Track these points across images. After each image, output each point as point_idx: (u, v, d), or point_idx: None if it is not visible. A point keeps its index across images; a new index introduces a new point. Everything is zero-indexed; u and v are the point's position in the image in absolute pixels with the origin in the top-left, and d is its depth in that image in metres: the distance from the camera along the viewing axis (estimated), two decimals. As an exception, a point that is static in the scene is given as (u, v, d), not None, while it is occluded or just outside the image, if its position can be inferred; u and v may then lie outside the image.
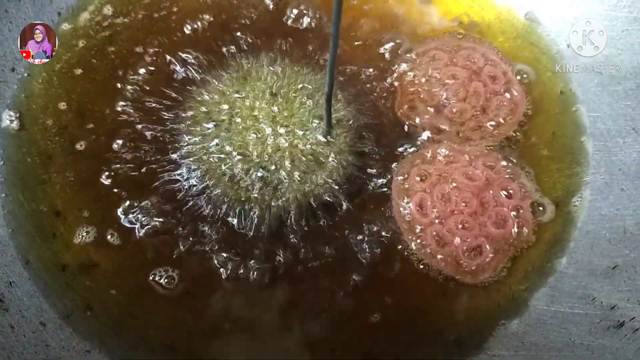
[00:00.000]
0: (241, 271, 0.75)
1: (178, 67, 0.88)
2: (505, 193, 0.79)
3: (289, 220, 0.78)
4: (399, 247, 0.78)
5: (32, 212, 0.79)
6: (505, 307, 0.76)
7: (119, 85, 0.87)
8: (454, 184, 0.78)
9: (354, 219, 0.79)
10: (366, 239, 0.78)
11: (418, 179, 0.80)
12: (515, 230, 0.78)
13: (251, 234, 0.78)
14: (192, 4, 0.94)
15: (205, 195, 0.79)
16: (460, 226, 0.76)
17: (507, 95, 0.86)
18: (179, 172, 0.80)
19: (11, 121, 0.83)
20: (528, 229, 0.79)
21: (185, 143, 0.82)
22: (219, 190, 0.78)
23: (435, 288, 0.76)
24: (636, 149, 0.83)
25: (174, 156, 0.81)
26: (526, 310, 0.76)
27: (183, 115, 0.84)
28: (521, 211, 0.79)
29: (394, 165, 0.83)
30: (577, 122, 0.89)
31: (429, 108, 0.86)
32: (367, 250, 0.77)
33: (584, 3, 0.92)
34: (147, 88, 0.87)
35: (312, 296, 0.76)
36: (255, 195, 0.77)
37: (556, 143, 0.87)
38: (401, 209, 0.79)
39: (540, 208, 0.81)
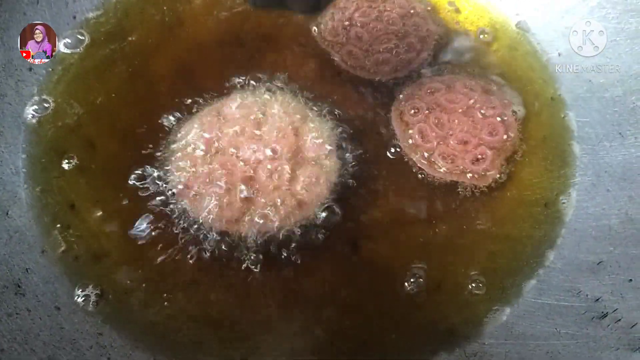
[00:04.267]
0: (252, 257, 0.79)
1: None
2: (488, 105, 0.88)
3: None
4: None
5: (48, 203, 0.82)
6: (499, 295, 0.80)
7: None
8: (442, 110, 0.88)
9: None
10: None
11: (412, 112, 0.88)
12: (505, 135, 0.87)
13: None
14: None
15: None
16: (461, 142, 0.85)
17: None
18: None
19: (33, 117, 0.87)
20: (514, 131, 0.88)
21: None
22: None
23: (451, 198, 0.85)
24: (622, 153, 0.87)
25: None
26: (517, 301, 0.80)
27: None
28: (505, 117, 0.88)
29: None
30: (566, 126, 0.93)
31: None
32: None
33: (574, 14, 0.97)
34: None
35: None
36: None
37: (546, 146, 0.91)
38: (409, 140, 0.87)
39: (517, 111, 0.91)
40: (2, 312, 0.71)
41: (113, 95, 0.91)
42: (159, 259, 0.78)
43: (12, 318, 0.71)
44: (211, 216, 0.75)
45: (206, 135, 0.80)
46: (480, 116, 0.88)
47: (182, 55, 0.94)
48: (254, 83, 0.89)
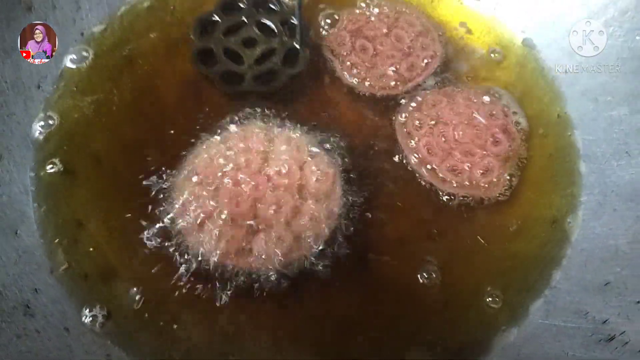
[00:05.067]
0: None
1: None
2: (490, 115, 0.90)
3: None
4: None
5: (55, 222, 0.83)
6: (507, 316, 0.81)
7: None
8: (446, 122, 0.89)
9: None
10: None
11: (417, 123, 0.90)
12: (509, 144, 0.88)
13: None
14: None
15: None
16: (467, 154, 0.87)
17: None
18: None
19: (40, 133, 0.88)
20: (518, 141, 0.90)
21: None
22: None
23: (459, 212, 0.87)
24: (629, 172, 0.88)
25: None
26: (524, 320, 0.80)
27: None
28: (508, 127, 0.90)
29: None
30: (573, 145, 0.94)
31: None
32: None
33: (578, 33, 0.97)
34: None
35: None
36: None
37: (553, 164, 0.92)
38: (415, 154, 0.89)
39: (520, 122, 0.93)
40: (12, 334, 0.71)
41: (118, 110, 0.92)
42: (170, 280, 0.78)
43: (22, 339, 0.72)
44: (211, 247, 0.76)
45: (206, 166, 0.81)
46: (484, 127, 0.89)
47: (188, 70, 0.95)
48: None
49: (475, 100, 0.92)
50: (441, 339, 0.79)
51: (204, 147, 0.84)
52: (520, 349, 0.78)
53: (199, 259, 0.77)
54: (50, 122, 0.89)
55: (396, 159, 0.89)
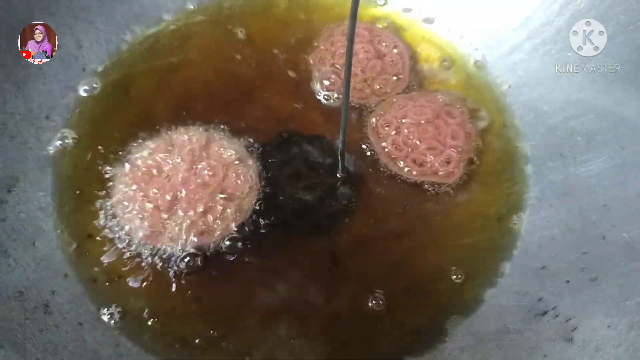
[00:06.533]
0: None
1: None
2: (449, 115, 1.03)
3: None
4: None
5: (68, 234, 0.95)
6: (456, 301, 0.93)
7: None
8: (412, 122, 1.02)
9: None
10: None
11: (386, 126, 1.03)
12: (465, 139, 1.02)
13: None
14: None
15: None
16: (429, 149, 1.00)
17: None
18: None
19: (52, 159, 1.00)
20: (473, 135, 1.04)
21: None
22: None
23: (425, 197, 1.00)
24: (562, 171, 1.00)
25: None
26: (473, 305, 0.93)
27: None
28: (464, 124, 1.04)
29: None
30: (517, 149, 1.07)
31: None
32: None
33: (521, 51, 1.11)
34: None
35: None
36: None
37: (499, 167, 1.05)
38: (384, 151, 1.03)
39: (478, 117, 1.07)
40: (35, 329, 0.83)
41: (120, 135, 1.04)
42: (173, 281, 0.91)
43: (43, 333, 0.83)
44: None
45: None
46: (443, 124, 1.02)
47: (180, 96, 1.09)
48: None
49: (436, 102, 1.05)
50: (400, 323, 0.91)
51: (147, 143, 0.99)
52: (469, 327, 0.90)
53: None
54: (64, 146, 1.01)
55: (368, 153, 1.03)
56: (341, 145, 0.91)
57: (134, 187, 0.93)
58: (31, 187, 0.97)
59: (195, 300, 0.91)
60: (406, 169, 1.01)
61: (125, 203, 0.93)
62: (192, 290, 0.91)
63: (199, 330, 0.89)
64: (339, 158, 0.95)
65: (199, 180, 0.93)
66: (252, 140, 1.02)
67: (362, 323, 0.90)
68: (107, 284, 0.92)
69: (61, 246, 0.94)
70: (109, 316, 0.89)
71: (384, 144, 1.03)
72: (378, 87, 1.09)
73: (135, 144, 1.01)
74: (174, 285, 0.91)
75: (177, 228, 0.90)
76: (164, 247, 0.91)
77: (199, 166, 0.94)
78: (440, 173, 1.00)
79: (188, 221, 0.90)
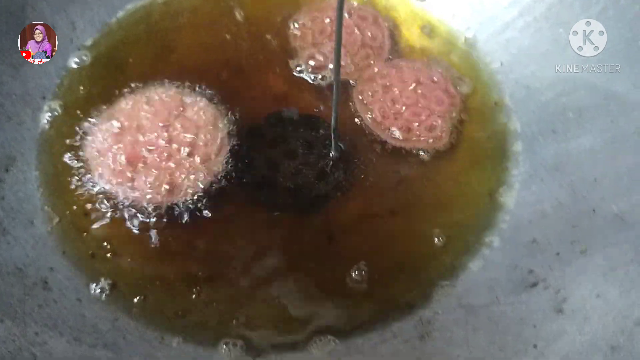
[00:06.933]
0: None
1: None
2: (433, 81, 1.06)
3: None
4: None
5: (64, 213, 0.96)
6: (447, 275, 0.95)
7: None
8: (396, 89, 1.04)
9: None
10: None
11: (371, 95, 1.05)
12: (450, 104, 1.04)
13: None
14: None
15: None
16: (414, 115, 1.02)
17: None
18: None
19: (45, 139, 1.02)
20: (457, 100, 1.06)
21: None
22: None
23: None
24: (553, 147, 1.01)
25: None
26: (463, 276, 0.94)
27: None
28: (448, 88, 1.06)
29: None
30: (508, 126, 1.08)
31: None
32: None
33: (514, 28, 1.12)
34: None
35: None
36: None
37: (490, 144, 1.06)
38: (370, 118, 1.04)
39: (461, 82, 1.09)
40: (35, 304, 0.85)
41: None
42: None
43: (43, 308, 0.85)
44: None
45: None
46: (427, 90, 1.04)
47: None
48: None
49: (419, 69, 1.07)
50: (392, 296, 0.93)
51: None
52: (460, 300, 0.91)
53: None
54: (55, 118, 1.03)
55: (357, 120, 1.05)
56: (334, 122, 0.92)
57: (107, 142, 0.95)
58: (28, 166, 0.99)
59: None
60: (394, 134, 1.02)
61: (100, 157, 0.95)
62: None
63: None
64: (332, 135, 0.96)
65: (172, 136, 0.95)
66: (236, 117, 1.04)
67: (349, 296, 0.92)
68: (106, 260, 0.94)
69: (59, 223, 0.95)
70: (108, 292, 0.90)
71: (370, 114, 1.04)
72: (360, 60, 1.10)
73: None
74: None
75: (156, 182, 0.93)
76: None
77: (176, 125, 0.97)
78: (427, 139, 1.02)
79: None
